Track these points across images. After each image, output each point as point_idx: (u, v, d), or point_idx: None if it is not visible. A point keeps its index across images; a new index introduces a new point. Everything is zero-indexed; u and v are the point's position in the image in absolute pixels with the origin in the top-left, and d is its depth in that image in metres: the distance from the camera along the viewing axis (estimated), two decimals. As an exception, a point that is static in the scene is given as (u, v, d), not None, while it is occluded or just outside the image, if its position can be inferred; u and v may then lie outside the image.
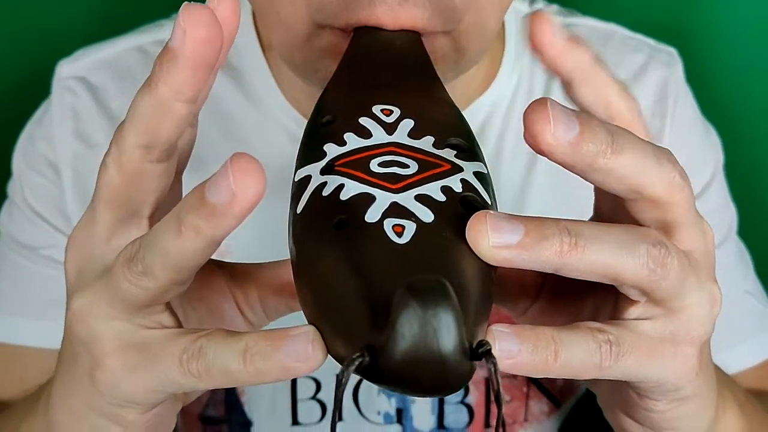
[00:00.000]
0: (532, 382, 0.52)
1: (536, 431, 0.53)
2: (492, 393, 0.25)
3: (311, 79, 0.39)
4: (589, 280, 0.26)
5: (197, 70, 0.25)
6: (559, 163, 0.26)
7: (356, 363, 0.23)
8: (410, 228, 0.25)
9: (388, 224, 0.25)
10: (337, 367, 0.52)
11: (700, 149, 0.53)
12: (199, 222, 0.24)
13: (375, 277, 0.24)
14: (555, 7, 0.55)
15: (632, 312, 0.28)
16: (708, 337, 0.29)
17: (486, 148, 0.49)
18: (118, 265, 0.27)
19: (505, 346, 0.25)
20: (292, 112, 0.49)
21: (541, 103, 0.25)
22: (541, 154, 0.26)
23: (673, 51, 0.54)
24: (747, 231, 0.56)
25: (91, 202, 0.29)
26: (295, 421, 0.51)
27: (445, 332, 0.22)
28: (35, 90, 0.54)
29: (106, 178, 0.28)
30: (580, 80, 0.30)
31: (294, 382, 0.50)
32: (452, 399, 0.51)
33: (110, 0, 0.66)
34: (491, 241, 0.25)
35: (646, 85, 0.52)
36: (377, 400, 0.51)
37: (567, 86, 0.30)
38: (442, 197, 0.26)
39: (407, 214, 0.26)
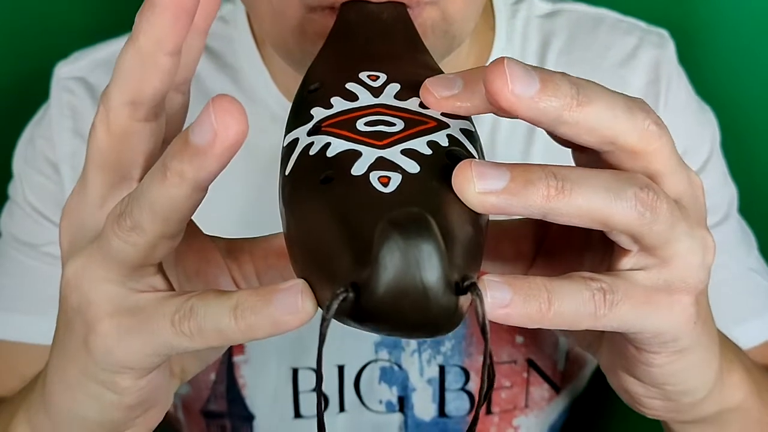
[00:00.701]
0: (532, 367, 0.52)
1: (537, 417, 0.53)
2: (479, 328, 0.25)
3: (305, 66, 0.39)
4: (578, 225, 0.26)
5: (177, 19, 0.25)
6: (526, 120, 0.26)
7: (340, 298, 0.23)
8: (396, 179, 0.25)
9: (374, 176, 0.26)
10: (339, 355, 0.52)
11: (695, 128, 0.53)
12: (182, 166, 0.24)
13: (360, 222, 0.24)
14: None
15: (625, 262, 0.28)
16: (704, 285, 0.28)
17: (480, 135, 0.50)
18: (108, 224, 0.27)
19: (497, 295, 0.25)
20: (287, 105, 0.50)
21: (498, 62, 0.25)
22: (505, 114, 0.26)
23: (664, 32, 0.54)
24: (745, 208, 0.55)
25: (83, 170, 0.29)
26: (297, 414, 0.51)
27: (427, 263, 0.22)
28: (34, 92, 0.55)
29: (95, 140, 0.28)
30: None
31: (295, 374, 0.50)
32: (453, 386, 0.51)
33: (109, 1, 0.67)
34: (477, 187, 0.25)
35: (638, 67, 0.52)
36: (379, 389, 0.51)
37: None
38: (428, 151, 0.27)
39: (393, 166, 0.26)
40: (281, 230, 0.32)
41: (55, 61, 0.53)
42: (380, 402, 0.51)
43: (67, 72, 0.52)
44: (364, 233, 0.24)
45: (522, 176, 0.25)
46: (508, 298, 0.25)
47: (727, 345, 0.34)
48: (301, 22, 0.37)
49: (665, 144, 0.27)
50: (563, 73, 0.26)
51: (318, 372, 0.24)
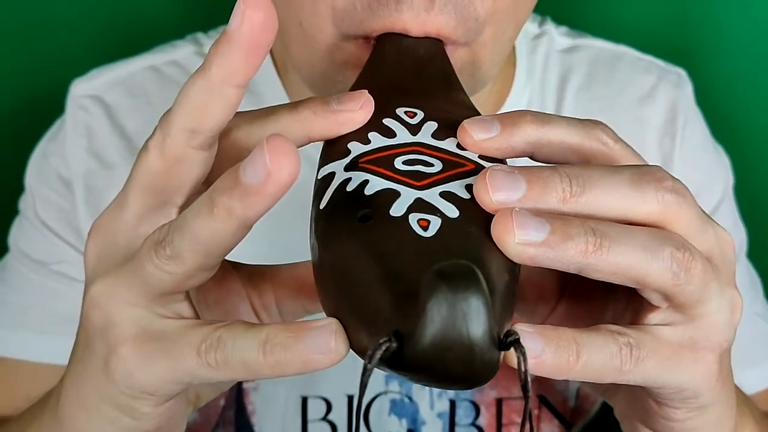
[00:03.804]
0: (543, 404, 0.52)
1: (548, 453, 0.53)
2: (520, 384, 0.25)
3: (330, 93, 0.39)
4: (612, 282, 0.26)
5: (251, 54, 0.25)
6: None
7: (383, 348, 0.23)
8: (435, 222, 0.25)
9: (413, 218, 0.25)
10: (349, 385, 0.52)
11: (709, 170, 0.54)
12: (232, 202, 0.24)
13: (401, 266, 0.24)
14: (564, 29, 0.55)
15: (653, 318, 0.28)
16: (729, 344, 0.28)
17: None
18: (145, 249, 0.26)
19: (529, 345, 0.25)
20: None
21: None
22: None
23: (682, 72, 0.55)
24: (756, 252, 0.56)
25: (124, 188, 0.28)
26: (304, 442, 0.51)
27: (475, 317, 0.22)
28: (49, 108, 0.55)
29: (146, 162, 0.27)
30: (536, 150, 0.29)
31: (305, 402, 0.50)
32: (463, 421, 0.51)
33: (124, 20, 0.66)
34: (517, 237, 0.25)
35: (656, 105, 0.53)
36: (389, 420, 0.50)
37: (531, 158, 0.30)
38: (467, 195, 0.26)
39: (432, 209, 0.26)
40: (300, 259, 0.32)
41: (69, 79, 0.52)
42: (389, 434, 0.51)
43: (83, 90, 0.52)
44: (405, 279, 0.23)
45: (562, 229, 0.25)
46: (539, 350, 0.25)
47: (739, 397, 0.34)
48: (331, 49, 0.36)
49: (686, 209, 0.27)
50: (553, 168, 0.26)
51: (356, 422, 0.24)
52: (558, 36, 0.54)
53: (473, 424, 0.51)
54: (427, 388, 0.50)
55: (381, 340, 0.23)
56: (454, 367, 0.23)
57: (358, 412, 0.24)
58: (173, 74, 0.52)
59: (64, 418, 0.31)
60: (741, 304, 0.28)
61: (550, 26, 0.55)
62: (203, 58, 0.52)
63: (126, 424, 0.29)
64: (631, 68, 0.54)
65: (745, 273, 0.54)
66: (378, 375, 0.50)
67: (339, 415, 0.50)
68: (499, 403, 0.50)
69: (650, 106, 0.53)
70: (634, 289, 0.27)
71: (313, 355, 0.24)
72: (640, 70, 0.54)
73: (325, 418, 0.50)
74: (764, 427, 0.37)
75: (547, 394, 0.51)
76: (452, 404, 0.50)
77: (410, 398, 0.50)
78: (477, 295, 0.22)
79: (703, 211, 0.28)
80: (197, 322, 0.27)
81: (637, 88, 0.53)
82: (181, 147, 0.27)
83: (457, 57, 0.36)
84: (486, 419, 0.50)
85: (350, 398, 0.50)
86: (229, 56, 0.26)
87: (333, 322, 0.25)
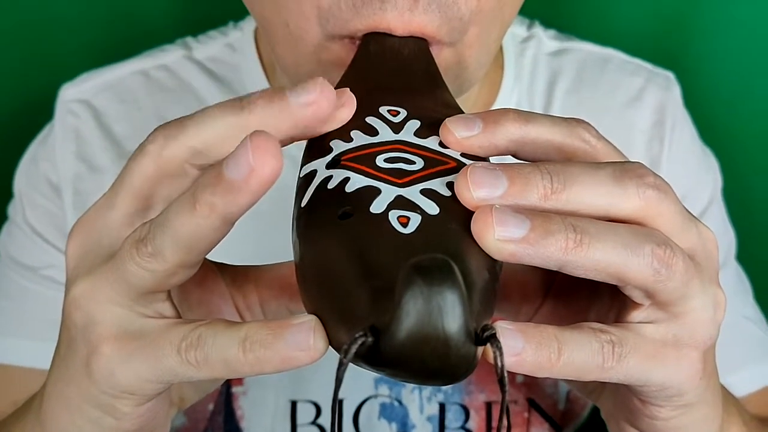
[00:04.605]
0: (533, 407, 0.52)
1: (538, 457, 0.52)
2: (497, 379, 0.25)
3: None
4: (593, 279, 0.26)
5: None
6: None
7: (359, 342, 0.23)
8: (415, 219, 0.25)
9: (393, 215, 0.25)
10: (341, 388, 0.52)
11: (697, 173, 0.54)
12: (214, 198, 0.24)
13: (379, 262, 0.24)
14: (552, 32, 0.56)
15: (636, 316, 0.28)
16: (712, 342, 0.28)
17: None
18: (126, 247, 0.26)
19: (509, 343, 0.25)
20: None
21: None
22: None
23: (670, 75, 0.55)
24: (745, 255, 0.56)
25: (113, 188, 0.28)
26: (294, 447, 0.51)
27: (450, 311, 0.22)
28: (38, 113, 0.55)
29: (141, 165, 0.27)
30: (519, 148, 0.29)
31: (294, 406, 0.50)
32: (453, 424, 0.51)
33: (113, 25, 0.66)
34: (497, 234, 0.25)
35: (644, 108, 0.53)
36: (378, 425, 0.50)
37: (514, 156, 0.30)
38: (448, 192, 0.26)
39: (413, 206, 0.26)
40: (285, 260, 0.32)
41: (58, 84, 0.52)
42: (379, 438, 0.51)
43: (72, 94, 0.52)
44: (383, 274, 0.24)
45: (542, 226, 0.25)
46: (520, 347, 0.25)
47: (726, 397, 0.34)
48: (317, 50, 0.37)
49: (668, 206, 0.27)
50: (535, 165, 0.26)
51: (333, 417, 0.24)
52: (546, 39, 0.54)
53: (463, 427, 0.50)
54: (416, 392, 0.50)
55: (357, 335, 0.23)
56: (430, 361, 0.23)
57: (334, 407, 0.24)
58: (162, 78, 0.52)
59: (46, 420, 0.31)
60: (724, 302, 0.28)
61: (539, 29, 0.55)
62: (192, 62, 0.53)
63: (108, 424, 0.29)
64: (619, 71, 0.54)
65: (735, 276, 0.54)
66: (367, 379, 0.50)
67: (328, 419, 0.50)
68: (488, 406, 0.50)
69: (638, 108, 0.53)
70: (617, 287, 0.27)
71: (292, 352, 0.24)
72: (628, 72, 0.54)
73: (314, 422, 0.50)
74: (752, 428, 0.37)
75: (536, 398, 0.51)
76: (442, 408, 0.50)
77: (400, 402, 0.50)
78: (452, 289, 0.22)
79: (686, 209, 0.28)
80: (178, 321, 0.27)
81: (625, 90, 0.53)
82: (180, 161, 0.27)
83: (442, 58, 0.36)
84: (476, 423, 0.50)
85: (340, 403, 0.50)
86: (272, 117, 0.26)
87: (312, 319, 0.25)
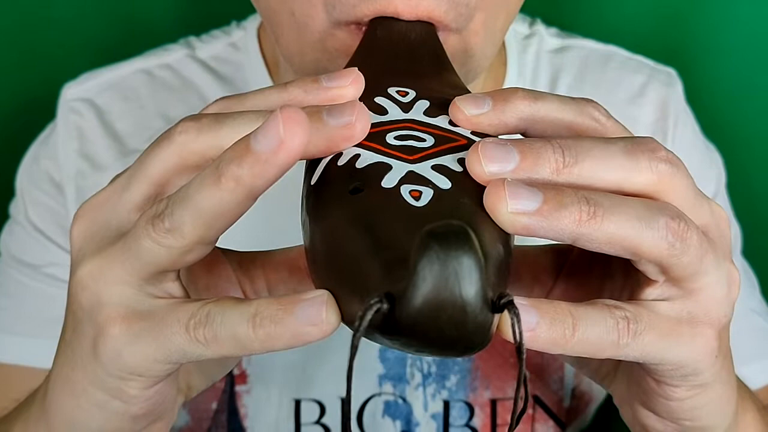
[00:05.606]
0: (537, 404, 0.51)
1: (543, 454, 0.52)
2: (515, 347, 0.25)
3: None
4: (606, 252, 0.26)
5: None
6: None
7: (374, 309, 0.22)
8: (427, 193, 0.25)
9: (405, 189, 0.25)
10: (342, 387, 0.51)
11: (701, 168, 0.54)
12: (241, 171, 0.24)
13: (392, 234, 0.24)
14: (554, 30, 0.56)
15: (650, 293, 0.27)
16: (727, 320, 0.28)
17: None
18: (141, 224, 0.26)
19: (524, 318, 0.24)
20: None
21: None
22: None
23: (672, 71, 0.55)
24: (749, 249, 0.56)
25: (130, 171, 0.28)
26: (298, 445, 0.50)
27: (467, 276, 0.22)
28: (39, 113, 0.55)
29: (164, 152, 0.27)
30: (529, 126, 0.29)
31: (298, 405, 0.50)
32: (457, 422, 0.50)
33: (114, 25, 0.66)
34: (510, 207, 0.24)
35: (647, 104, 0.53)
36: (382, 422, 0.50)
37: (524, 135, 0.29)
38: (459, 168, 0.26)
39: (425, 181, 0.25)
40: (293, 245, 0.32)
41: (60, 83, 0.52)
42: (383, 436, 0.50)
43: (74, 93, 0.52)
44: (397, 245, 0.23)
45: (555, 199, 0.25)
46: (534, 322, 0.25)
47: (741, 385, 0.34)
48: (323, 37, 0.36)
49: (681, 180, 0.27)
50: (546, 139, 0.26)
51: (348, 388, 0.23)
52: (548, 36, 0.55)
53: (467, 425, 0.50)
54: (420, 389, 0.50)
55: (372, 301, 0.22)
56: (447, 329, 0.22)
57: (349, 375, 0.23)
58: (165, 77, 0.52)
59: (51, 408, 0.31)
60: (738, 280, 0.28)
61: (541, 27, 0.55)
62: (195, 61, 0.53)
63: (115, 408, 0.28)
64: (621, 68, 0.54)
65: (741, 269, 0.54)
66: (372, 376, 0.50)
67: (332, 418, 0.50)
68: (493, 403, 0.50)
69: (641, 105, 0.53)
70: (630, 267, 0.27)
71: (303, 327, 0.24)
72: (630, 69, 0.54)
73: (318, 422, 0.50)
74: (765, 416, 0.37)
75: (541, 395, 0.51)
76: (446, 405, 0.50)
77: (404, 399, 0.50)
78: (469, 254, 0.22)
79: (698, 187, 0.28)
80: (186, 300, 0.27)
81: (627, 87, 0.53)
82: (206, 157, 0.27)
83: (449, 44, 0.36)
84: (480, 420, 0.50)
85: (344, 401, 0.50)
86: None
87: (324, 293, 0.24)
